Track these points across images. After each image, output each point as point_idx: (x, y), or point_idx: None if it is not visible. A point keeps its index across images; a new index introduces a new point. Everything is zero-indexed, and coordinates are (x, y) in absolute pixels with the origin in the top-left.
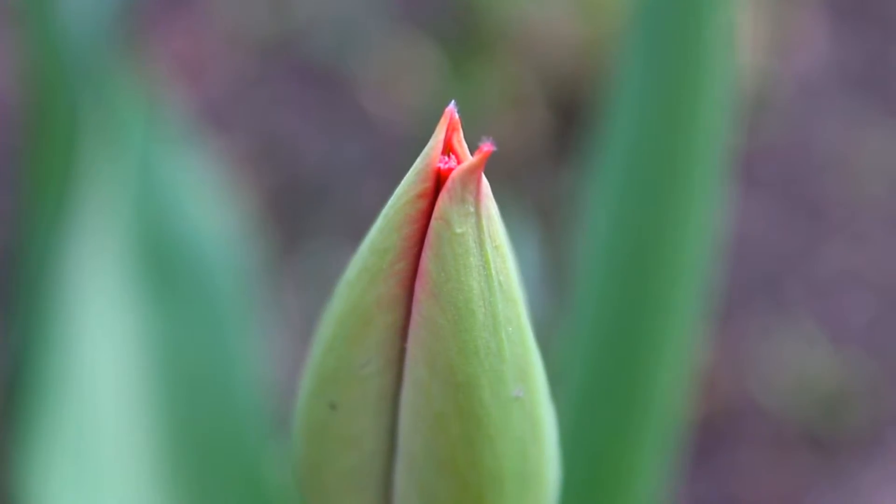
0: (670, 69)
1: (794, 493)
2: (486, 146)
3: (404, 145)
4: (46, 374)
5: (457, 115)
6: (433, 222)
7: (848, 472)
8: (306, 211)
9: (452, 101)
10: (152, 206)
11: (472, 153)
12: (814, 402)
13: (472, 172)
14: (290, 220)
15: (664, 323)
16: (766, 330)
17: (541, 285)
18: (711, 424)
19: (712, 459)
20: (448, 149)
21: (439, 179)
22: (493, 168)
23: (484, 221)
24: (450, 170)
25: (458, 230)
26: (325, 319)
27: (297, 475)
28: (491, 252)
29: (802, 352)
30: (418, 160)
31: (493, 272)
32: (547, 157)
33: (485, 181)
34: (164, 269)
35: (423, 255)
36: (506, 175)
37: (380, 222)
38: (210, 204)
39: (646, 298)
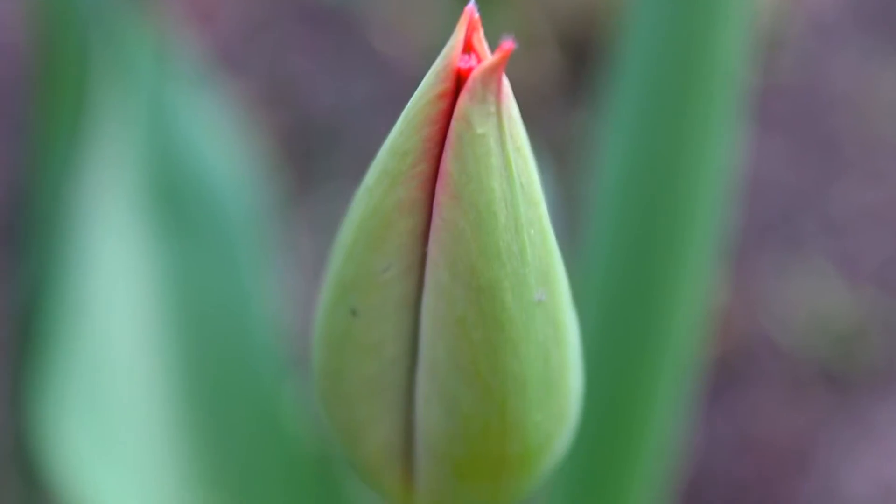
0: (684, 6)
1: (809, 431)
2: (507, 44)
3: (415, 85)
4: (60, 312)
5: (476, 14)
6: (454, 123)
7: (862, 409)
8: (318, 152)
9: (472, 1)
10: (164, 144)
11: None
12: (829, 340)
13: (493, 71)
14: (301, 162)
15: (679, 261)
16: (781, 269)
17: (555, 224)
18: (726, 363)
19: (727, 398)
20: (468, 48)
21: (459, 80)
22: None
23: (505, 122)
24: (470, 69)
25: (479, 130)
26: (345, 226)
27: (317, 385)
28: (512, 153)
29: (817, 290)
30: (438, 60)
31: (515, 173)
32: (560, 96)
33: (506, 81)
34: (177, 206)
35: (444, 156)
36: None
37: (399, 124)
38: (222, 143)
39: (660, 236)
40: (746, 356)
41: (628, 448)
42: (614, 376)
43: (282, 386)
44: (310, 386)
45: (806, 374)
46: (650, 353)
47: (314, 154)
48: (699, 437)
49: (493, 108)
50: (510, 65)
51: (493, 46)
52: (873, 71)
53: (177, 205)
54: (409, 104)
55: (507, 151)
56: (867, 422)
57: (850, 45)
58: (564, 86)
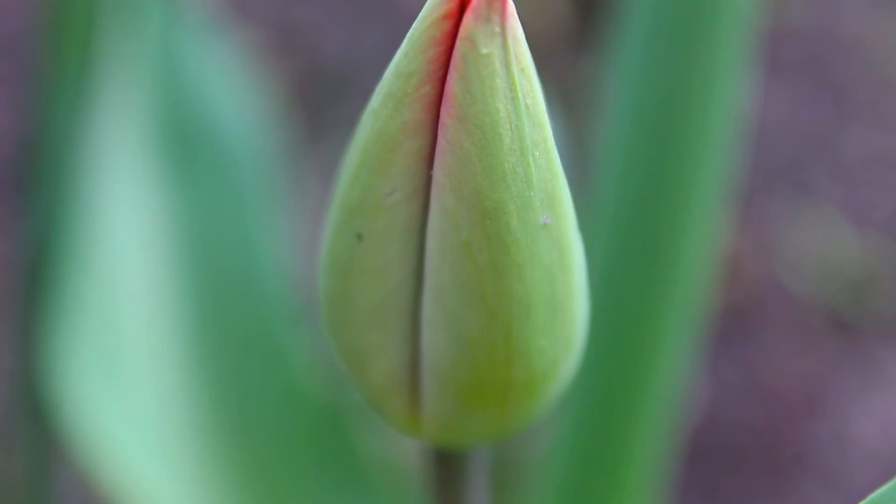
0: None
1: (819, 377)
2: None
3: None
4: (70, 258)
5: None
6: (458, 43)
7: (872, 355)
8: (328, 100)
9: None
10: (174, 90)
11: None
12: (838, 287)
13: None
14: (311, 110)
15: (687, 206)
16: (791, 215)
17: (565, 168)
18: (736, 309)
19: (737, 344)
20: None
21: (464, 0)
22: None
23: (510, 42)
24: None
25: (484, 51)
26: (351, 149)
27: (323, 312)
28: (517, 74)
29: (828, 236)
30: None
31: (520, 94)
32: (568, 42)
33: (510, 1)
34: (187, 153)
35: (449, 77)
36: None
37: (404, 46)
38: (232, 90)
39: (668, 181)
40: (756, 302)
41: (634, 393)
42: (621, 321)
43: (291, 332)
44: (319, 332)
45: (815, 321)
46: (657, 296)
47: (324, 101)
48: (708, 382)
49: (497, 28)
50: (519, 11)
51: None
52: (884, 16)
53: (186, 151)
54: (414, 25)
55: (511, 72)
56: (876, 368)
57: None
58: (573, 31)
